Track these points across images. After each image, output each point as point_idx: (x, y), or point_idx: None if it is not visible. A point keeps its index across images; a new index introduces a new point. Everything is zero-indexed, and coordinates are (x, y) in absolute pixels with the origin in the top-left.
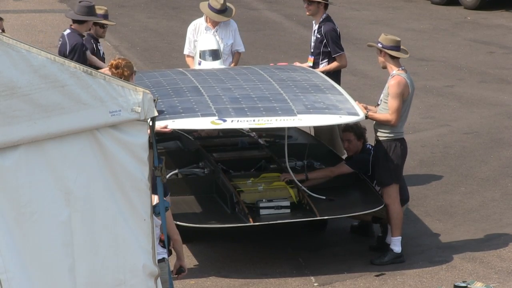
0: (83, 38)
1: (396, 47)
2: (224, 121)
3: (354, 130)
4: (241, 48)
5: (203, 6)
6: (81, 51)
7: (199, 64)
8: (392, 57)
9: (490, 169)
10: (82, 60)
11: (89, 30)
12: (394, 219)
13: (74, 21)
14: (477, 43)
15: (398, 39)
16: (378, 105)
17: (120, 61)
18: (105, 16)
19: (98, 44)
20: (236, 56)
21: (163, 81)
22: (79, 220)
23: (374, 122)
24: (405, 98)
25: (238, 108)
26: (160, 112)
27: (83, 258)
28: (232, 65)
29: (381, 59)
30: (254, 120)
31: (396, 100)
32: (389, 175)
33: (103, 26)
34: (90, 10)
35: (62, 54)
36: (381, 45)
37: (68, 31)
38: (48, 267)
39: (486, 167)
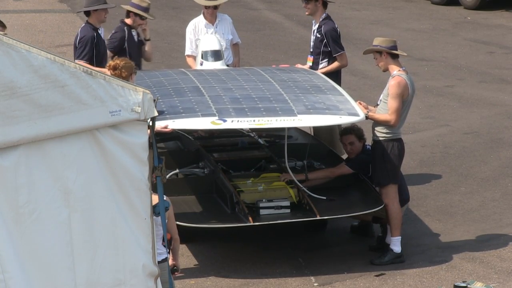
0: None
1: (395, 47)
2: (225, 121)
3: (355, 131)
4: (239, 40)
5: None
6: (90, 44)
7: (201, 64)
8: (393, 57)
9: (490, 169)
10: (91, 53)
11: (104, 20)
12: (393, 219)
13: (86, 15)
14: (477, 43)
15: (394, 39)
16: (378, 105)
17: (118, 62)
18: (146, 10)
19: (132, 30)
20: (237, 48)
21: (164, 80)
22: (78, 220)
23: (373, 122)
24: (405, 99)
25: (238, 108)
26: (161, 112)
27: (83, 258)
28: (236, 59)
29: (381, 62)
30: (254, 120)
31: (395, 100)
32: (387, 175)
33: (141, 17)
34: (93, 0)
35: (74, 46)
36: (381, 47)
37: (83, 25)
38: (47, 267)
39: (486, 167)
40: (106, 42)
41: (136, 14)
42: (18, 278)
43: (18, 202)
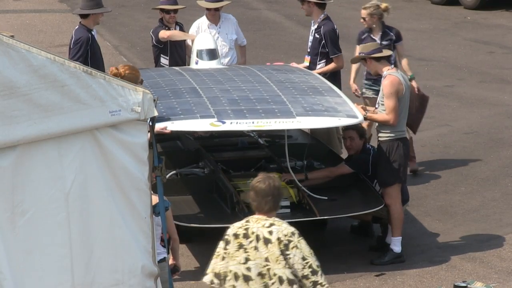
0: (160, 27)
1: (378, 50)
2: (223, 123)
3: (357, 128)
4: (244, 41)
5: (200, 1)
6: (85, 45)
7: (196, 63)
8: (378, 60)
9: (490, 169)
10: (86, 54)
11: (99, 22)
12: (395, 219)
13: (81, 17)
14: (477, 43)
15: (377, 42)
16: (376, 108)
17: (122, 71)
18: (172, 2)
19: (170, 29)
20: (243, 50)
21: (161, 81)
22: (77, 220)
23: (377, 124)
24: (400, 95)
25: (237, 110)
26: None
27: (80, 258)
28: (242, 59)
29: (370, 68)
30: (253, 122)
31: (391, 99)
32: (392, 175)
33: (168, 12)
34: (93, 4)
35: (69, 47)
36: (363, 54)
37: (76, 27)
38: (43, 267)
39: (486, 167)
40: (154, 40)
41: (162, 11)
42: (13, 279)
43: (13, 202)
